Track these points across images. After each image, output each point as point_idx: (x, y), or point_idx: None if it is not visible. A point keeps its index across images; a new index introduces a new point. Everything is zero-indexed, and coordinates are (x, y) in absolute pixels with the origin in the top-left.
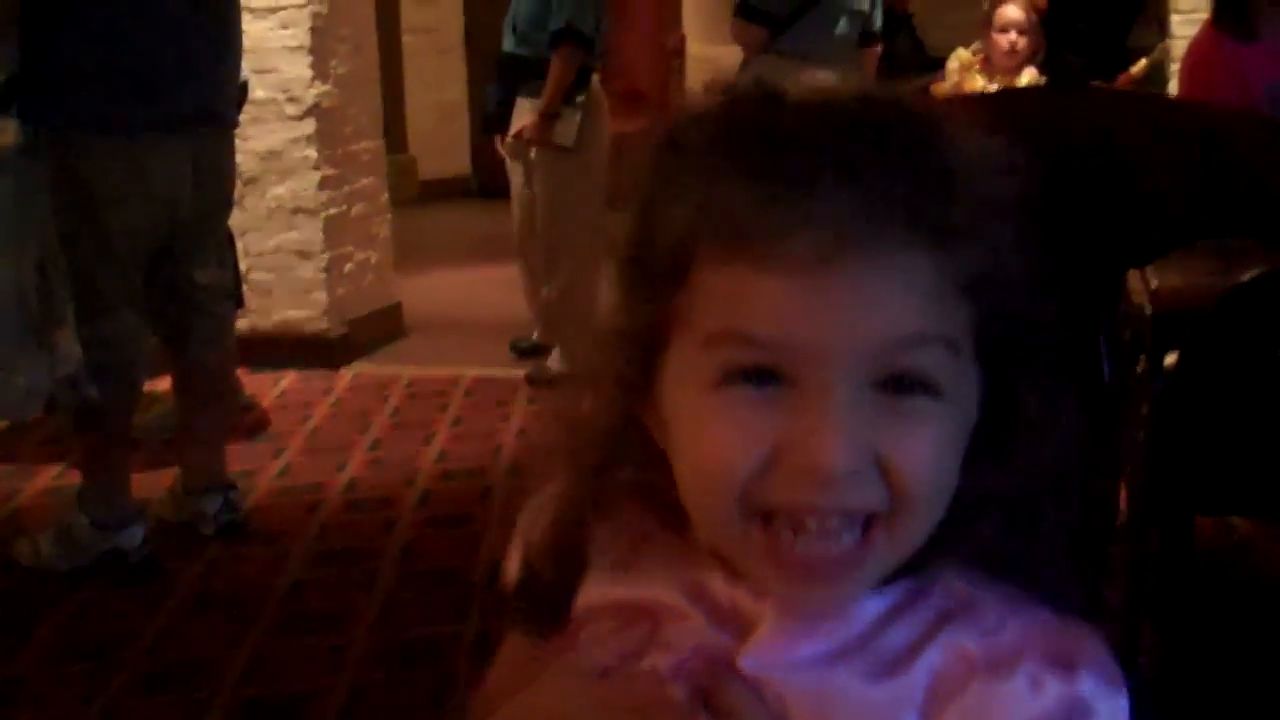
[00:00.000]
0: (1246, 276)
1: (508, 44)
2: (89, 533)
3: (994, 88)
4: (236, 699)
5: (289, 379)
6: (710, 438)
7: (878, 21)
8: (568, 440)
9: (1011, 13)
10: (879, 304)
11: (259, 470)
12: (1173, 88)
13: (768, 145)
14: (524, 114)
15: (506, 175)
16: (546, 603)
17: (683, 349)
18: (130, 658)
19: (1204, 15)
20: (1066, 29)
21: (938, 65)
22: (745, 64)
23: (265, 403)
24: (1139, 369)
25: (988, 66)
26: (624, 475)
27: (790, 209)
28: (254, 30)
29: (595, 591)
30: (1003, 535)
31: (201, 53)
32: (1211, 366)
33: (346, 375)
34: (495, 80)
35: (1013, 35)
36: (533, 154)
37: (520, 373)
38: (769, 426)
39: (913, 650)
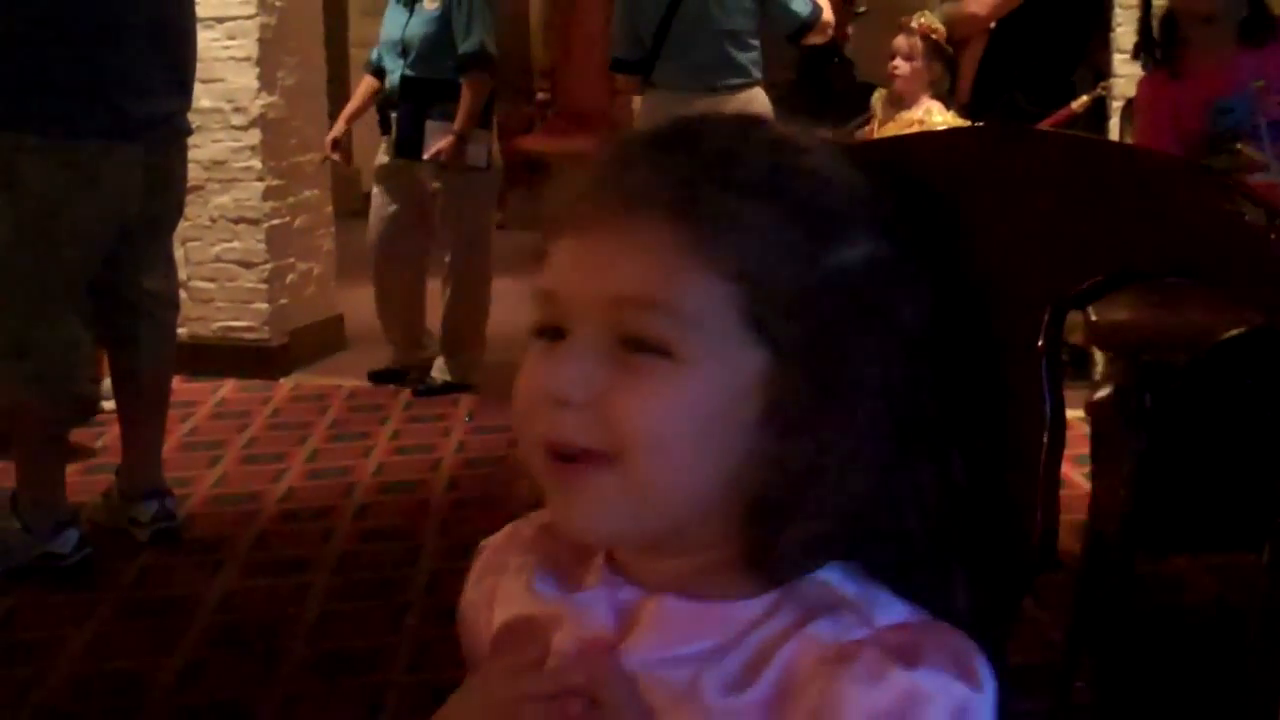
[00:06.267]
0: (1232, 332)
1: (394, 66)
2: (21, 537)
3: (891, 123)
4: (167, 707)
5: (228, 388)
6: (516, 389)
7: (798, 12)
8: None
9: (897, 42)
10: (613, 264)
11: (195, 478)
12: (1113, 124)
13: (603, 155)
14: (435, 137)
15: None
16: None
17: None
18: (60, 662)
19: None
20: (1014, 68)
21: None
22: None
23: (203, 411)
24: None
25: (892, 99)
26: None
27: (582, 191)
28: (201, 40)
29: (501, 615)
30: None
31: (157, 59)
32: (1190, 419)
33: (286, 385)
34: (399, 104)
35: (896, 62)
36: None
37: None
38: (544, 373)
39: (770, 650)
